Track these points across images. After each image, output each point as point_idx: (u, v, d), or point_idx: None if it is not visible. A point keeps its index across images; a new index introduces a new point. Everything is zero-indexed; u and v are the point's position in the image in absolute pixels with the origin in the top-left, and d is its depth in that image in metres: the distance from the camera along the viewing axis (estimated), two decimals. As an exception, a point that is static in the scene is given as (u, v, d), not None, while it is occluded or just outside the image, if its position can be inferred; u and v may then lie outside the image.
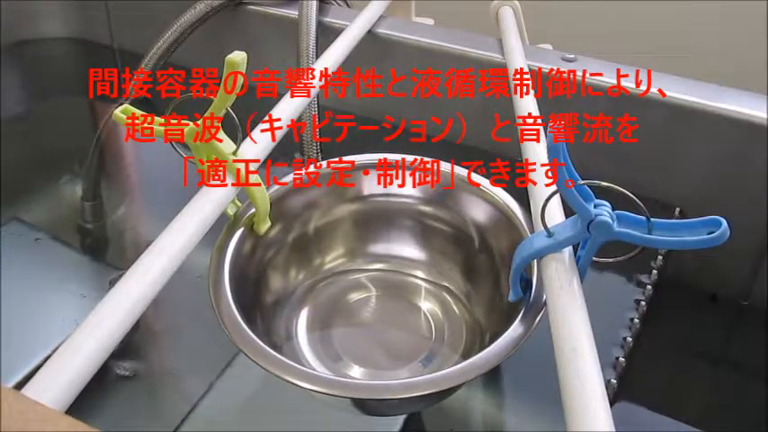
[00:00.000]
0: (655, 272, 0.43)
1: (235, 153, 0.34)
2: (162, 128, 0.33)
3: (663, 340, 0.44)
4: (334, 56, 0.48)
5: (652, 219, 0.27)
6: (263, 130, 0.38)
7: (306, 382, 0.28)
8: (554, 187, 0.27)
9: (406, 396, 0.28)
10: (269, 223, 0.37)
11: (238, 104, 0.32)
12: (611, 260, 0.30)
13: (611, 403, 0.23)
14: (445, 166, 0.39)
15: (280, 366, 0.29)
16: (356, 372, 0.35)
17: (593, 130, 0.50)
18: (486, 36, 0.55)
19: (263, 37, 0.63)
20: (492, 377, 0.39)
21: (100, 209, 0.55)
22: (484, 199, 0.38)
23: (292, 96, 0.42)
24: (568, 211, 0.29)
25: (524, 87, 0.44)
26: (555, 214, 0.31)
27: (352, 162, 0.40)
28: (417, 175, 0.40)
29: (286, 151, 0.53)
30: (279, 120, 0.39)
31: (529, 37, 0.57)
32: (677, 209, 0.48)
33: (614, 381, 0.37)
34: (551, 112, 0.46)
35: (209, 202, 0.32)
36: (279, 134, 0.39)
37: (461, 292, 0.39)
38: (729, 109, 0.45)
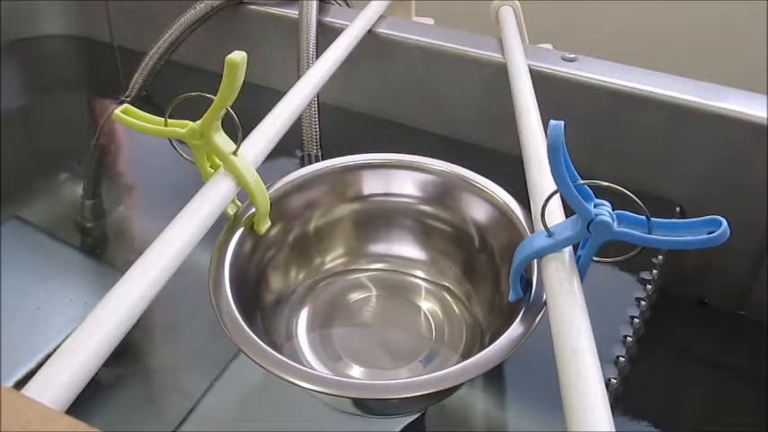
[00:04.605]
0: (656, 271, 0.43)
1: (235, 153, 0.34)
2: (162, 128, 0.34)
3: (664, 339, 0.44)
4: (334, 56, 0.48)
5: (652, 218, 0.27)
6: (263, 130, 0.38)
7: (306, 382, 0.28)
8: (554, 187, 0.27)
9: (406, 396, 0.28)
10: (269, 223, 0.37)
11: (238, 104, 0.32)
12: (610, 260, 0.30)
13: (612, 403, 0.23)
14: (445, 166, 0.39)
15: (280, 366, 0.29)
16: (356, 372, 0.35)
17: (593, 130, 0.50)
18: (486, 36, 0.55)
19: (263, 37, 0.63)
20: (492, 377, 0.39)
21: (100, 207, 0.55)
22: (484, 199, 0.38)
23: (292, 96, 0.42)
24: (568, 211, 0.29)
25: (524, 87, 0.44)
26: (555, 214, 0.31)
27: (353, 161, 0.40)
28: (417, 174, 0.40)
29: (287, 150, 0.54)
30: (279, 119, 0.39)
31: (529, 37, 0.57)
32: (677, 208, 0.48)
33: (615, 380, 0.37)
34: (551, 112, 0.46)
35: (209, 202, 0.32)
36: (279, 134, 0.39)
37: (461, 292, 0.39)
38: (729, 109, 0.45)
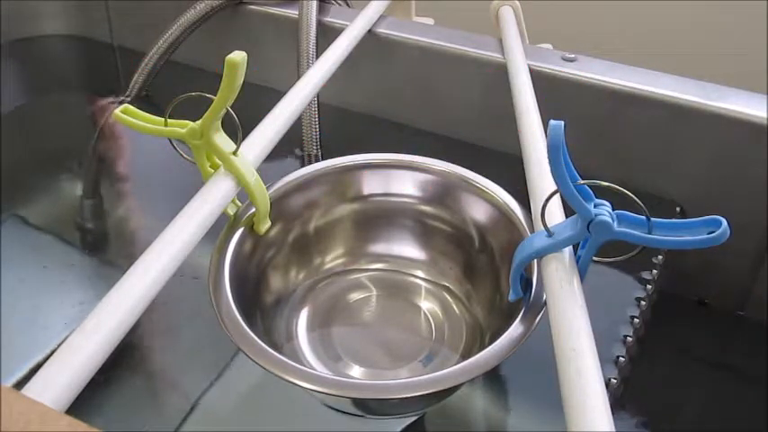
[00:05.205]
0: (656, 271, 0.43)
1: (235, 153, 0.34)
2: (162, 128, 0.34)
3: (664, 339, 0.44)
4: (334, 56, 0.48)
5: (652, 218, 0.27)
6: (263, 130, 0.38)
7: (306, 382, 0.28)
8: (554, 187, 0.27)
9: (406, 396, 0.28)
10: (269, 223, 0.37)
11: (238, 104, 0.32)
12: (611, 260, 0.30)
13: (612, 403, 0.23)
14: (445, 166, 0.39)
15: (280, 366, 0.29)
16: (356, 372, 0.35)
17: (593, 130, 0.50)
18: (486, 36, 0.55)
19: (263, 37, 0.63)
20: (492, 377, 0.39)
21: (99, 207, 0.55)
22: (484, 199, 0.38)
23: (292, 96, 0.42)
24: (568, 211, 0.29)
25: (524, 87, 0.44)
26: (555, 214, 0.31)
27: (353, 161, 0.40)
28: (417, 174, 0.40)
29: (286, 150, 0.54)
30: (279, 119, 0.39)
31: (529, 37, 0.57)
32: (677, 208, 0.48)
33: (615, 380, 0.37)
34: (551, 112, 0.46)
35: (209, 202, 0.32)
36: (279, 134, 0.39)
37: (461, 292, 0.39)
38: (729, 109, 0.45)
